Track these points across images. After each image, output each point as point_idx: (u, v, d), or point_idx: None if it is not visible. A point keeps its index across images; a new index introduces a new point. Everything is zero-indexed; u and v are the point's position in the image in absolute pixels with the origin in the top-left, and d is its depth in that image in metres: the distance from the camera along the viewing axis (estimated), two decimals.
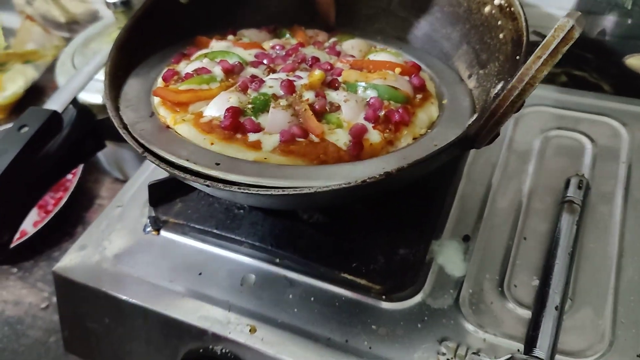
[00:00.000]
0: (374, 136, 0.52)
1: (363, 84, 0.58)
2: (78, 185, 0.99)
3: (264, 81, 0.58)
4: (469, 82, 0.64)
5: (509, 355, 0.48)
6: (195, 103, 0.57)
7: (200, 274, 0.61)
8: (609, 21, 0.77)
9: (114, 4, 0.92)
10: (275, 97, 0.55)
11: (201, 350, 0.57)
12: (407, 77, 0.61)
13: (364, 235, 0.60)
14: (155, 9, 0.69)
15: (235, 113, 0.53)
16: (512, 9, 0.59)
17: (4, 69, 1.27)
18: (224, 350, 0.56)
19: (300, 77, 0.59)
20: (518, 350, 0.50)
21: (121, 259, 0.64)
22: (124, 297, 0.61)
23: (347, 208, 0.63)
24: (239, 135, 0.52)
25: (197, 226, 0.64)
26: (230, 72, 0.61)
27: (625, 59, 0.79)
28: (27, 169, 0.65)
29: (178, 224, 0.65)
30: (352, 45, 0.70)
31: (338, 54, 0.68)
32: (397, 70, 0.61)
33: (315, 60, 0.63)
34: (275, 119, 0.52)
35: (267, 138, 0.51)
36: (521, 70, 0.40)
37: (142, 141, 0.52)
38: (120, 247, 0.66)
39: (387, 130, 0.53)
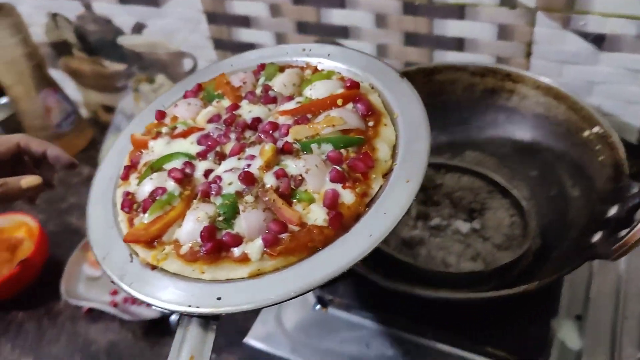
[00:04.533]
0: (348, 197, 0.51)
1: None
2: None
3: (221, 178, 0.55)
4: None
5: None
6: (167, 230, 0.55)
7: (367, 345, 0.78)
8: None
9: None
10: (239, 194, 0.53)
11: None
12: (351, 105, 0.58)
13: (497, 313, 0.77)
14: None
15: (211, 234, 0.51)
16: (610, 139, 0.75)
17: None
18: None
19: (253, 157, 0.56)
20: None
21: (298, 331, 0.81)
22: None
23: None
24: (224, 254, 0.50)
25: (358, 305, 0.81)
26: (183, 180, 0.57)
27: None
28: None
29: (342, 302, 0.82)
30: (283, 83, 0.66)
31: (274, 100, 0.64)
32: (339, 101, 0.58)
33: (257, 121, 0.61)
34: (250, 223, 0.50)
35: (250, 246, 0.50)
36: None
37: (142, 297, 0.51)
38: (296, 321, 0.83)
39: (357, 183, 0.51)
